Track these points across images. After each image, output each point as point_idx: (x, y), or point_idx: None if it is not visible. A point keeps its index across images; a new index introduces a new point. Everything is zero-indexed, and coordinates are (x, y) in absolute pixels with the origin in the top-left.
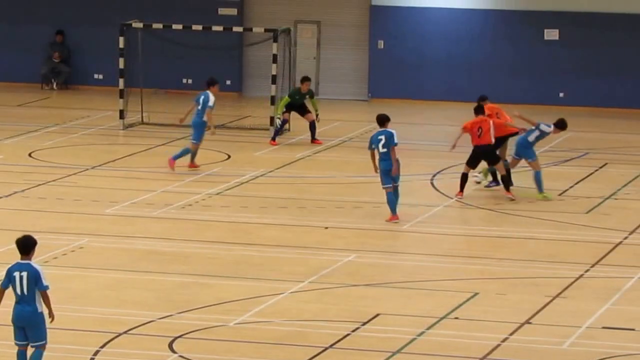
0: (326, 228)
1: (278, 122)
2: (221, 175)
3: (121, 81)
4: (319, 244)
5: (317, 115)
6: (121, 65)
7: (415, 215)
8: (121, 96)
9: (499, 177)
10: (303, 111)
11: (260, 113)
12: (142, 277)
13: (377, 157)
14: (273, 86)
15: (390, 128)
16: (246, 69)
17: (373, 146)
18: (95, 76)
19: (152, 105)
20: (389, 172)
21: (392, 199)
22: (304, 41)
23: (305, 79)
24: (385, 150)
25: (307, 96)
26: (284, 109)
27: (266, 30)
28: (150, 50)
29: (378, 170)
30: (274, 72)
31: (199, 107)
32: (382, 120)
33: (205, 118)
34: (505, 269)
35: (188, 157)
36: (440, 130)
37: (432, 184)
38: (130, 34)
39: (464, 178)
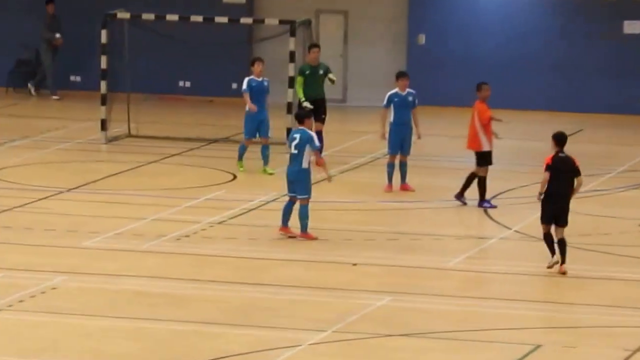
0: (354, 265)
1: (307, 105)
2: (225, 199)
3: (103, 84)
4: (345, 285)
5: (333, 81)
6: (103, 64)
7: (463, 249)
8: (103, 103)
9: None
10: (316, 115)
11: (273, 123)
12: (127, 324)
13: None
14: (290, 90)
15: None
16: None
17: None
18: (72, 78)
19: (142, 114)
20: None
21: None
22: (327, 35)
23: (313, 46)
24: (296, 151)
25: (322, 72)
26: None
27: (281, 22)
28: (140, 46)
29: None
30: (290, 74)
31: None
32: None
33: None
34: (575, 316)
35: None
36: (497, 145)
37: (485, 210)
38: (115, 27)
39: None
